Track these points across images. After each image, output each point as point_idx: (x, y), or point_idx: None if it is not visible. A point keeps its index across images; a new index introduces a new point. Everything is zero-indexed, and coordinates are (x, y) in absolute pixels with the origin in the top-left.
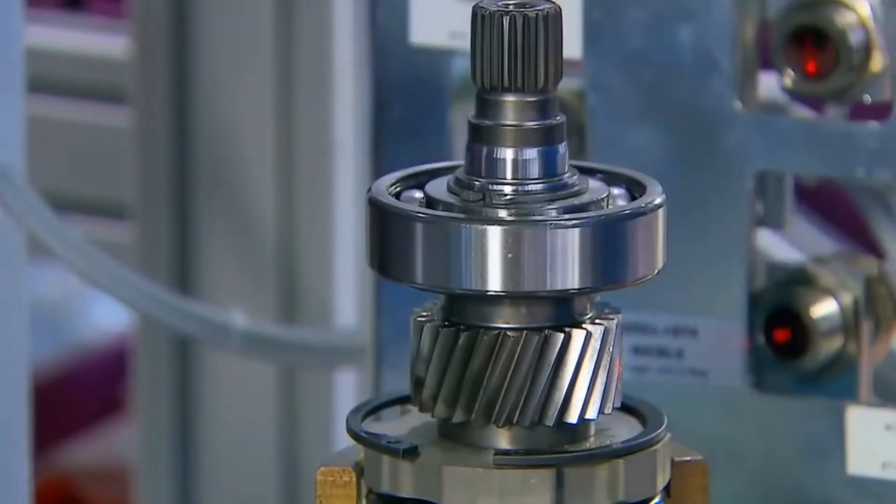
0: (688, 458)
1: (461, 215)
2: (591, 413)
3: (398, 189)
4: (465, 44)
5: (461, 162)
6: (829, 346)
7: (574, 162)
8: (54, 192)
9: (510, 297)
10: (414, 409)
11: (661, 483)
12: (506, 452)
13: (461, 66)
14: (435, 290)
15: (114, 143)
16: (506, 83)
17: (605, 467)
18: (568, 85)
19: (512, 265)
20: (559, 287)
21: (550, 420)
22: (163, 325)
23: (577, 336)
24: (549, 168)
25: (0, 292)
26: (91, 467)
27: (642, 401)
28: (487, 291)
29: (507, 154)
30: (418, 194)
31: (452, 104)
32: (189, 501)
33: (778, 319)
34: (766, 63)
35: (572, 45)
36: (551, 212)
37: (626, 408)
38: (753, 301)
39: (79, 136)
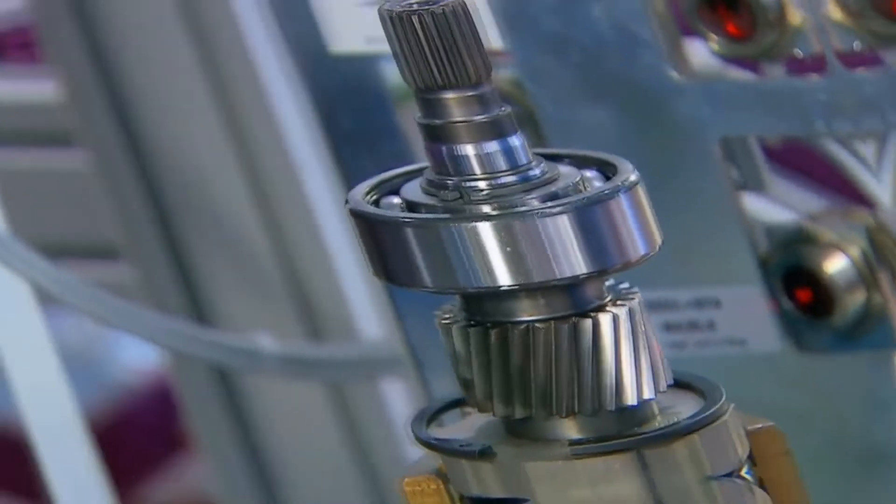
0: (759, 426)
1: (447, 215)
2: (648, 392)
3: (375, 197)
4: (385, 47)
5: (427, 163)
6: (854, 300)
7: (539, 150)
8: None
9: (524, 289)
10: (473, 410)
11: (742, 452)
12: (579, 442)
13: (393, 68)
14: (447, 292)
15: (68, 186)
16: (439, 81)
17: (682, 444)
18: (504, 75)
19: (514, 258)
20: (568, 274)
21: (610, 404)
22: (195, 360)
23: (605, 319)
24: (513, 159)
25: (23, 345)
26: None
27: (693, 375)
28: (500, 287)
29: (468, 150)
30: (396, 200)
31: (397, 106)
32: None
33: (795, 280)
34: (690, 30)
35: (490, 36)
36: (532, 201)
37: (680, 384)
38: (763, 265)
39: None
